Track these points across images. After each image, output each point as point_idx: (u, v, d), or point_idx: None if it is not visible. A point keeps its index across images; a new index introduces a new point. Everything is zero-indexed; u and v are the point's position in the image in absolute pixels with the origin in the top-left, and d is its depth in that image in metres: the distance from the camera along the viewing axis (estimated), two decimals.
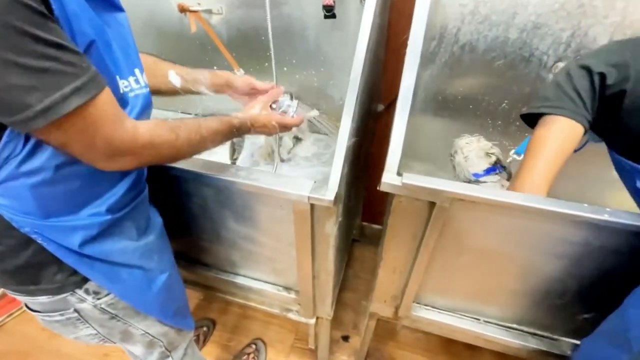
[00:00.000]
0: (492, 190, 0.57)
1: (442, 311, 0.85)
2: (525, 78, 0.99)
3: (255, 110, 0.75)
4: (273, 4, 1.05)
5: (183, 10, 1.12)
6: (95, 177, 0.49)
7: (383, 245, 0.74)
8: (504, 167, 0.82)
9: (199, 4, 1.13)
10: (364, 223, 1.69)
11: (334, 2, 0.94)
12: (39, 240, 0.49)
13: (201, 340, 1.27)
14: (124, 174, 0.55)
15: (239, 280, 0.97)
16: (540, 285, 0.72)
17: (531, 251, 0.66)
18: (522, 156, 0.81)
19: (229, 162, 1.10)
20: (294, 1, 1.06)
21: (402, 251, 0.73)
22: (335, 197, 0.60)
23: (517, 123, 1.08)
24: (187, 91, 0.76)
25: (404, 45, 0.65)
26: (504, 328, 0.82)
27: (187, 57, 1.29)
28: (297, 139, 1.26)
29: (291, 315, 0.99)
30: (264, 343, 1.29)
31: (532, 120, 0.65)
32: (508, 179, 0.84)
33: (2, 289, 1.38)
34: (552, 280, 0.70)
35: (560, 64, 0.93)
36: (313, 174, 1.16)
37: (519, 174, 0.61)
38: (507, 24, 0.93)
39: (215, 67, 1.27)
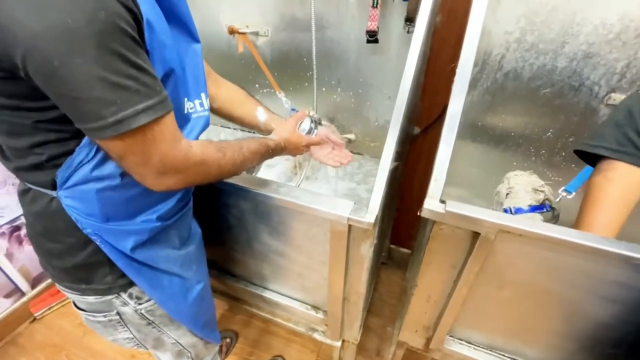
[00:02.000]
0: (543, 224, 0.54)
1: (478, 348, 0.80)
2: (573, 107, 0.96)
3: (286, 132, 0.78)
4: (317, 27, 1.09)
5: (232, 32, 1.20)
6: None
7: (418, 272, 0.72)
8: (552, 208, 0.78)
9: (247, 26, 1.20)
10: (392, 246, 1.66)
11: (377, 28, 0.97)
12: (98, 242, 0.52)
13: (223, 352, 1.27)
14: None
15: (267, 294, 0.97)
16: (590, 330, 0.67)
17: (582, 292, 0.61)
18: (572, 195, 0.77)
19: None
20: (337, 25, 1.10)
21: (438, 280, 0.71)
22: (375, 220, 0.60)
23: (563, 153, 1.04)
24: (267, 129, 0.82)
25: (451, 73, 0.65)
26: None
27: (232, 74, 1.35)
28: None
29: (316, 336, 0.98)
30: None
31: (586, 155, 0.62)
32: (555, 222, 0.79)
33: (47, 281, 1.47)
34: (604, 326, 0.65)
35: (614, 95, 0.89)
36: (339, 189, 1.16)
37: (579, 227, 0.58)
38: (555, 52, 0.91)
39: (257, 85, 1.34)
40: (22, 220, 1.34)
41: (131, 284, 0.59)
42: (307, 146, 0.82)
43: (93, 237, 0.52)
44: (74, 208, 0.49)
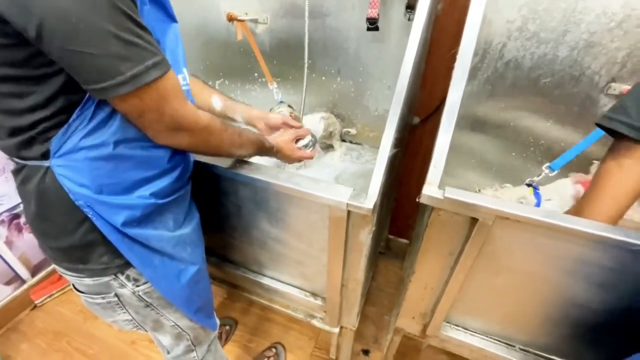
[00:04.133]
0: (540, 210, 0.54)
1: (474, 333, 0.81)
2: (573, 97, 0.96)
3: (282, 142, 0.83)
4: (316, 14, 1.09)
5: (231, 19, 1.19)
6: (147, 162, 0.54)
7: (416, 259, 0.73)
8: None
9: (246, 13, 1.19)
10: (390, 236, 1.67)
11: (378, 15, 0.96)
12: (90, 215, 0.52)
13: (223, 339, 1.29)
14: (173, 166, 0.59)
15: (266, 281, 0.98)
16: (587, 318, 0.68)
17: (579, 279, 0.62)
18: (554, 173, 0.78)
19: None
20: (337, 12, 1.09)
21: (436, 267, 0.72)
22: (374, 206, 0.61)
23: (562, 144, 1.04)
24: (223, 116, 0.88)
25: (451, 60, 0.65)
26: (542, 359, 0.78)
27: (231, 63, 1.35)
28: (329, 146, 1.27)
29: (315, 322, 0.99)
30: (284, 348, 1.29)
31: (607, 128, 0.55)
32: None
33: (47, 269, 1.48)
34: (600, 313, 0.66)
35: (615, 85, 0.89)
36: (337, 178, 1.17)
37: (582, 209, 0.56)
38: (556, 41, 0.90)
39: (255, 74, 1.34)
40: (22, 207, 1.34)
41: (128, 265, 0.59)
42: (299, 159, 0.89)
43: (85, 210, 0.51)
44: (67, 177, 0.49)
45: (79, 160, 0.49)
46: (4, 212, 1.30)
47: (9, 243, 1.34)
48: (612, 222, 0.54)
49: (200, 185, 0.76)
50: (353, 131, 1.31)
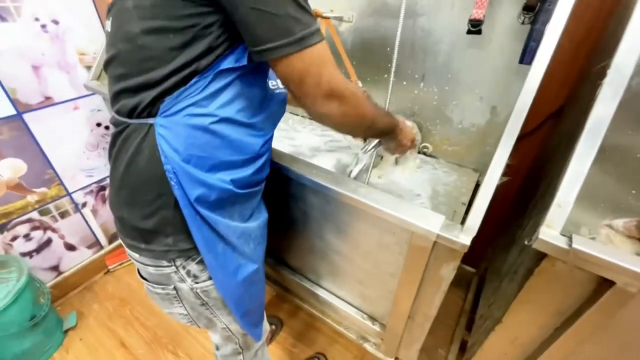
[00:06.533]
0: None
1: None
2: None
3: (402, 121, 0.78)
4: (409, 14, 0.99)
5: (316, 15, 1.15)
6: (239, 146, 0.55)
7: (507, 308, 0.61)
8: None
9: (332, 10, 1.14)
10: None
11: (483, 16, 0.84)
12: (172, 182, 0.52)
13: (268, 338, 1.28)
14: (259, 155, 0.60)
15: (321, 293, 0.93)
16: None
17: None
18: None
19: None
20: (432, 12, 0.99)
21: (533, 323, 0.59)
22: (471, 242, 0.51)
23: None
24: None
25: (600, 73, 0.52)
26: None
27: None
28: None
29: (367, 346, 0.91)
30: None
31: None
32: None
33: (120, 240, 1.63)
34: None
35: None
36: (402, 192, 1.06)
37: None
38: None
39: None
40: (107, 181, 1.48)
41: (189, 251, 0.58)
42: (412, 141, 0.83)
43: (170, 176, 0.51)
44: (164, 138, 0.50)
45: (179, 124, 0.50)
46: (92, 183, 1.44)
47: (94, 211, 1.49)
48: None
49: (272, 185, 0.73)
50: (430, 148, 1.19)
